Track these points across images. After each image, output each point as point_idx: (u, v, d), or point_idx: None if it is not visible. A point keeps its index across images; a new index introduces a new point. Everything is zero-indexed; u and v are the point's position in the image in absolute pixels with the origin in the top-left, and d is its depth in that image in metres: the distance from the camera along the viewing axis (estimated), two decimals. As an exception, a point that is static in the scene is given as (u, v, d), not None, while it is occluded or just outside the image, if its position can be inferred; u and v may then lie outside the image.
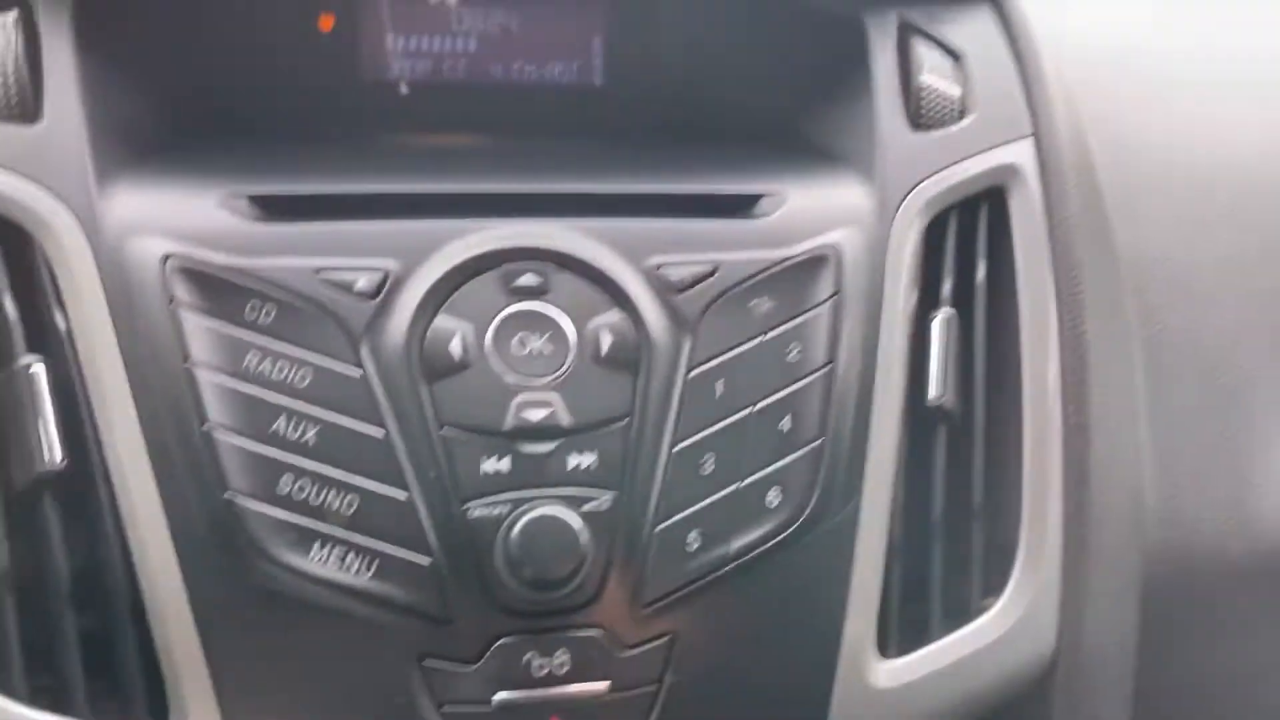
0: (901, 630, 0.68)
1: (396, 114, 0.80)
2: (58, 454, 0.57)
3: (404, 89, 0.80)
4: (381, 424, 0.59)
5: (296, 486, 0.58)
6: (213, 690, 0.58)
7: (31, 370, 0.58)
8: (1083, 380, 0.72)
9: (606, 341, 0.62)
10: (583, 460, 0.60)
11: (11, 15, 0.63)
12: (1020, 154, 0.74)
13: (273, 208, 0.63)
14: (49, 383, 0.58)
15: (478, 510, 0.59)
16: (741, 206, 0.69)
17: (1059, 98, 0.77)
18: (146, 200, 0.62)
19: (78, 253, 0.59)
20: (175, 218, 0.61)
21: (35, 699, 0.58)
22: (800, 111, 0.78)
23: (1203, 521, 0.77)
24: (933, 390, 0.69)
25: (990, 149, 0.73)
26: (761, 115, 0.79)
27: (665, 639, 0.62)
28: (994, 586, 0.70)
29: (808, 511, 0.64)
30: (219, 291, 0.59)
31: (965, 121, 0.74)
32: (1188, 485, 0.78)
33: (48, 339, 0.59)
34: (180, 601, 0.57)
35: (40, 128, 0.61)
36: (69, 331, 0.59)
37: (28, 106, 0.61)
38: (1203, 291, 0.81)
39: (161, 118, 0.69)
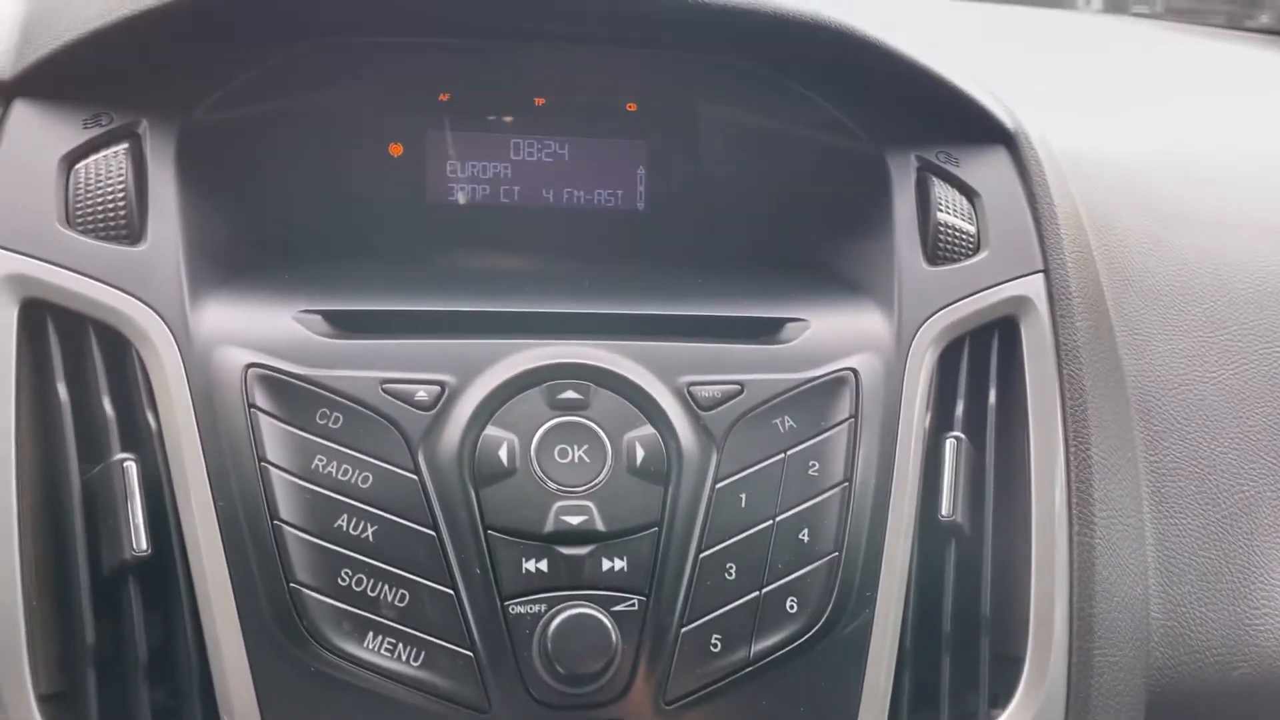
0: (911, 736, 0.72)
1: (457, 233, 0.87)
2: (144, 541, 0.63)
3: (463, 209, 0.87)
4: (433, 525, 0.64)
5: (355, 580, 0.63)
6: None
7: (125, 465, 0.64)
8: (1089, 501, 0.75)
9: (639, 454, 0.67)
10: (615, 564, 0.65)
11: (123, 147, 0.71)
12: (1031, 287, 0.78)
13: (342, 323, 0.69)
14: (139, 476, 0.64)
15: (517, 608, 0.64)
16: (768, 331, 0.74)
17: (1070, 233, 0.82)
18: (231, 314, 0.68)
19: (170, 360, 0.65)
20: (256, 331, 0.67)
21: (108, 768, 0.63)
22: (825, 243, 0.83)
23: (1206, 642, 0.80)
24: (944, 508, 0.73)
25: (1003, 283, 0.78)
26: (789, 244, 0.85)
27: None
28: (1001, 697, 0.73)
29: (823, 619, 0.68)
30: (293, 399, 0.65)
31: (979, 257, 0.79)
32: (1191, 607, 0.81)
33: (139, 436, 0.65)
34: (245, 680, 0.62)
35: (143, 248, 0.68)
36: (158, 430, 0.65)
37: (134, 229, 0.69)
38: (1207, 421, 0.85)
39: (247, 239, 0.76)
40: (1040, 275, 0.79)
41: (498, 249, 0.86)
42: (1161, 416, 0.85)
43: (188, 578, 0.63)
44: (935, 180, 0.81)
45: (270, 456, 0.64)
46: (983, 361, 0.78)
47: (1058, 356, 0.78)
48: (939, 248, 0.79)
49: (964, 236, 0.80)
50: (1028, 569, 0.74)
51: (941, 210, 0.80)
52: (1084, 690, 0.73)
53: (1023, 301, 0.78)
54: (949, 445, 0.74)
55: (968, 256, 0.79)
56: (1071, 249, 0.81)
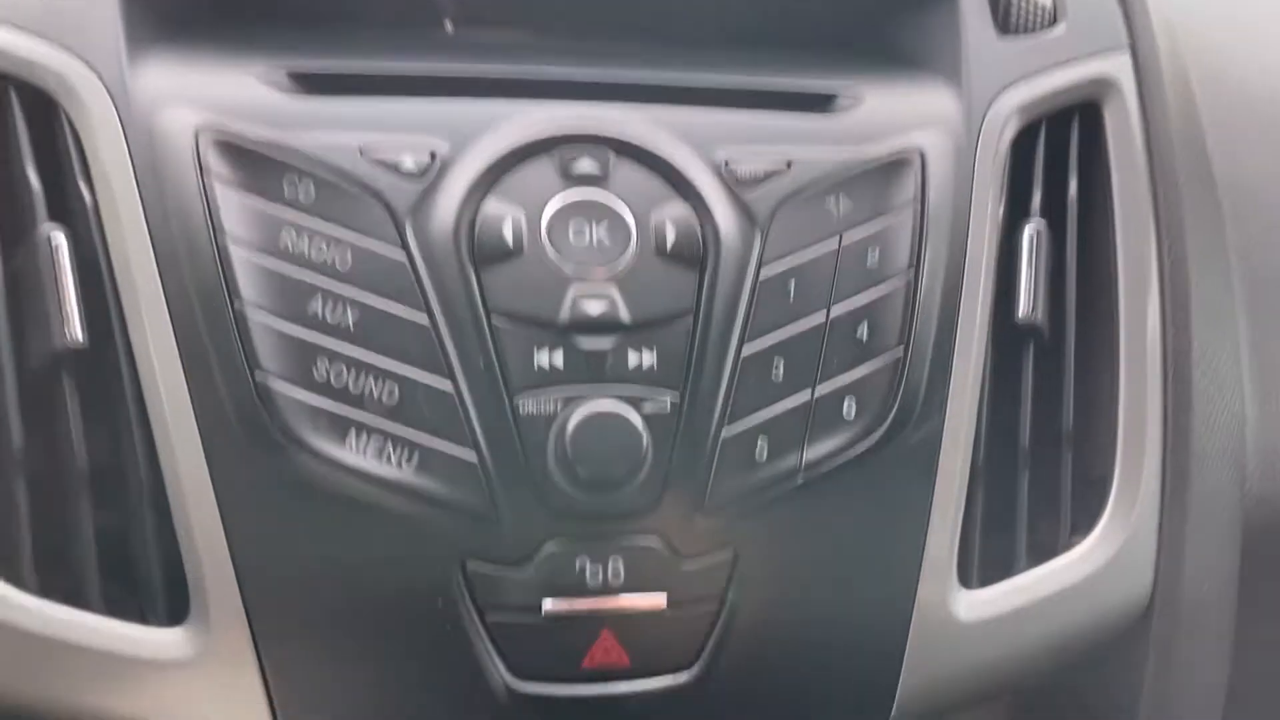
0: (984, 562, 0.64)
1: (447, 10, 0.75)
2: (79, 331, 0.54)
3: None
4: (426, 309, 0.55)
5: (334, 372, 0.54)
6: (237, 588, 0.54)
7: (53, 241, 0.54)
8: (1184, 303, 0.67)
9: (670, 234, 0.57)
10: (643, 358, 0.56)
11: None
12: (1116, 67, 0.70)
13: (313, 85, 0.59)
14: (71, 257, 0.54)
15: (529, 405, 0.55)
16: (817, 103, 0.64)
17: (1159, 14, 0.72)
18: (180, 73, 0.58)
19: (106, 123, 0.56)
20: (210, 90, 0.57)
21: (48, 592, 0.54)
22: (878, 12, 0.73)
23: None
24: (1022, 307, 0.65)
25: (1083, 59, 0.69)
26: (836, 18, 0.75)
27: (728, 553, 0.57)
28: (1085, 522, 0.65)
29: (885, 425, 0.59)
30: (255, 166, 0.56)
31: (1057, 29, 0.70)
32: (1291, 432, 0.72)
33: (72, 212, 0.56)
34: (205, 492, 0.54)
35: None
36: (94, 205, 0.55)
37: None
38: (1305, 229, 0.76)
39: None
40: (1126, 55, 0.71)
41: (495, 24, 0.74)
42: (1255, 224, 0.76)
43: (133, 374, 0.54)
44: None
45: (230, 232, 0.54)
46: (1061, 150, 0.69)
47: (1147, 144, 0.69)
48: (1011, 16, 0.70)
49: (1039, 6, 0.71)
50: (1115, 378, 0.66)
51: None
52: (1179, 515, 0.65)
53: (1107, 84, 0.69)
54: (1027, 236, 0.65)
55: (1044, 29, 0.70)
56: (1161, 30, 0.71)
